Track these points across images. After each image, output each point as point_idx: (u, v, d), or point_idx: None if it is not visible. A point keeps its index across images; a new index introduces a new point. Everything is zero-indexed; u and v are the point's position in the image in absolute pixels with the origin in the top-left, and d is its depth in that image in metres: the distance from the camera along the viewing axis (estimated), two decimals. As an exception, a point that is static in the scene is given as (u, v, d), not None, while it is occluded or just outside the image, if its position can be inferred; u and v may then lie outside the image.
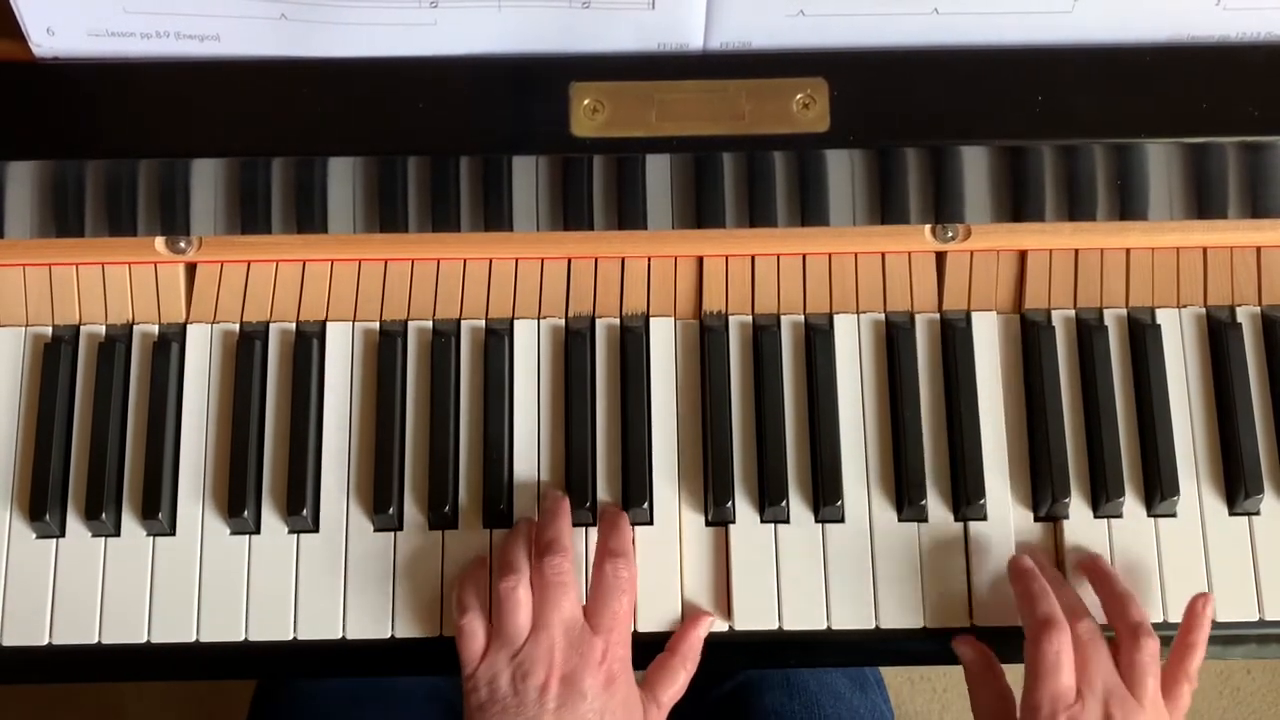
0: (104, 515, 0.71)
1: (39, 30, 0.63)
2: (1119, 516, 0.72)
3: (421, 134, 0.64)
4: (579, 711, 0.63)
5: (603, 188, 0.68)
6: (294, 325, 0.75)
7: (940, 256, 0.75)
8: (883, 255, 0.75)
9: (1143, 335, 0.73)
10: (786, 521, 0.72)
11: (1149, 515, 0.72)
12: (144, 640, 0.70)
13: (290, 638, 0.70)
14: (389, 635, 0.71)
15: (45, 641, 0.71)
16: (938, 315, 0.75)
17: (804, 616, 0.70)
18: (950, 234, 0.74)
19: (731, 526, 0.72)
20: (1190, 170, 0.68)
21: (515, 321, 0.75)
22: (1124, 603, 0.67)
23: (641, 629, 0.70)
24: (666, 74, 0.64)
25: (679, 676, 0.68)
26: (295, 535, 0.72)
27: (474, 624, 0.66)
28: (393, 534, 0.72)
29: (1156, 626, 0.70)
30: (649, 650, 0.71)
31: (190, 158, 0.65)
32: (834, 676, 0.87)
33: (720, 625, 0.70)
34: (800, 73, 0.64)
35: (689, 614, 0.70)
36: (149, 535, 0.72)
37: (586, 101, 0.64)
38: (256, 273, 0.75)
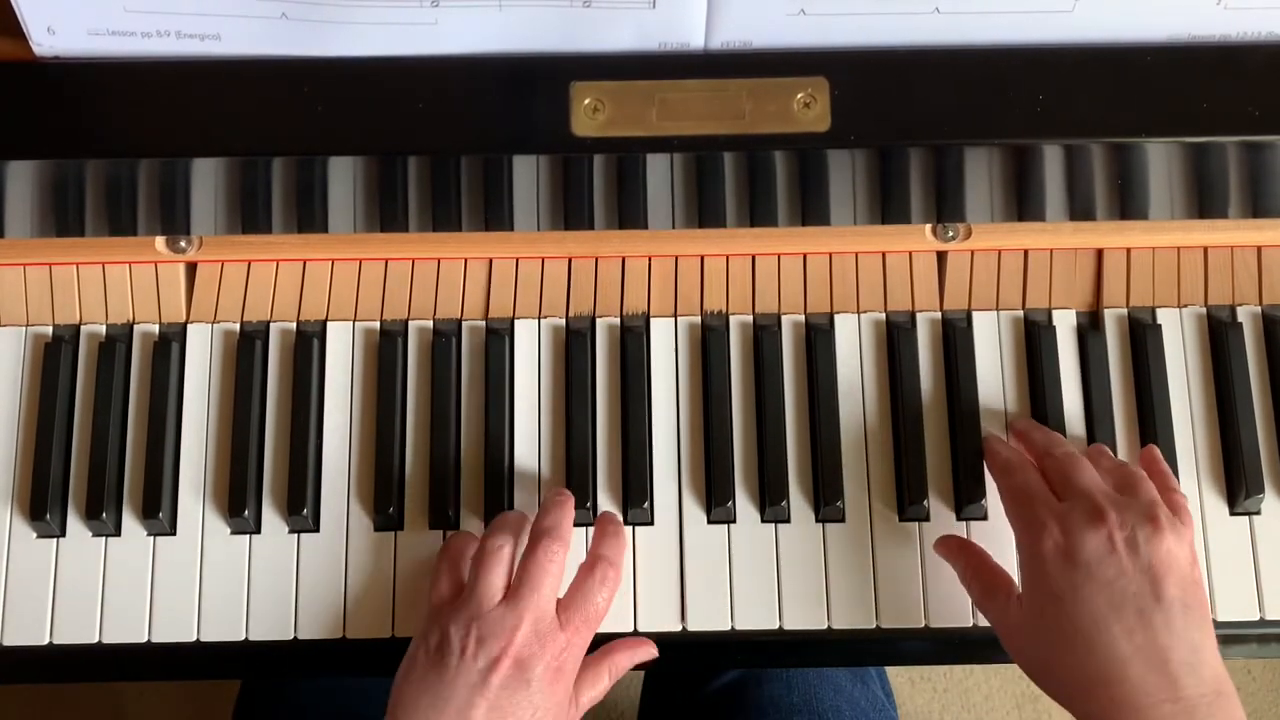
0: (104, 515, 0.71)
1: (40, 29, 0.63)
2: (1119, 516, 0.72)
3: (422, 133, 0.64)
4: (518, 697, 0.62)
5: (603, 187, 0.68)
6: (294, 325, 0.75)
7: (941, 256, 0.75)
8: (884, 255, 0.75)
9: (1143, 335, 0.73)
10: (787, 521, 0.72)
11: (1149, 515, 0.72)
12: (144, 640, 0.70)
13: (290, 638, 0.70)
14: (389, 635, 0.71)
15: (45, 641, 0.71)
16: (939, 315, 0.75)
17: (804, 616, 0.70)
18: (951, 233, 0.74)
19: (732, 526, 0.72)
20: (1191, 170, 0.68)
21: (516, 321, 0.75)
22: (1123, 465, 0.66)
23: (642, 629, 0.70)
24: (667, 73, 0.64)
25: (602, 681, 0.68)
26: (296, 535, 0.72)
27: (446, 574, 0.66)
28: (393, 534, 0.72)
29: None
30: (649, 650, 0.71)
31: (191, 158, 0.65)
32: (834, 668, 0.87)
33: (720, 625, 0.70)
34: (801, 72, 0.64)
35: (632, 644, 0.70)
36: (149, 535, 0.72)
37: (587, 101, 0.64)
38: (257, 272, 0.75)
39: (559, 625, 0.65)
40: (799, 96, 0.64)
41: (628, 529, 0.71)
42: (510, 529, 0.67)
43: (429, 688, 0.62)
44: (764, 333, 0.74)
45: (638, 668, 0.70)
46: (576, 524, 0.71)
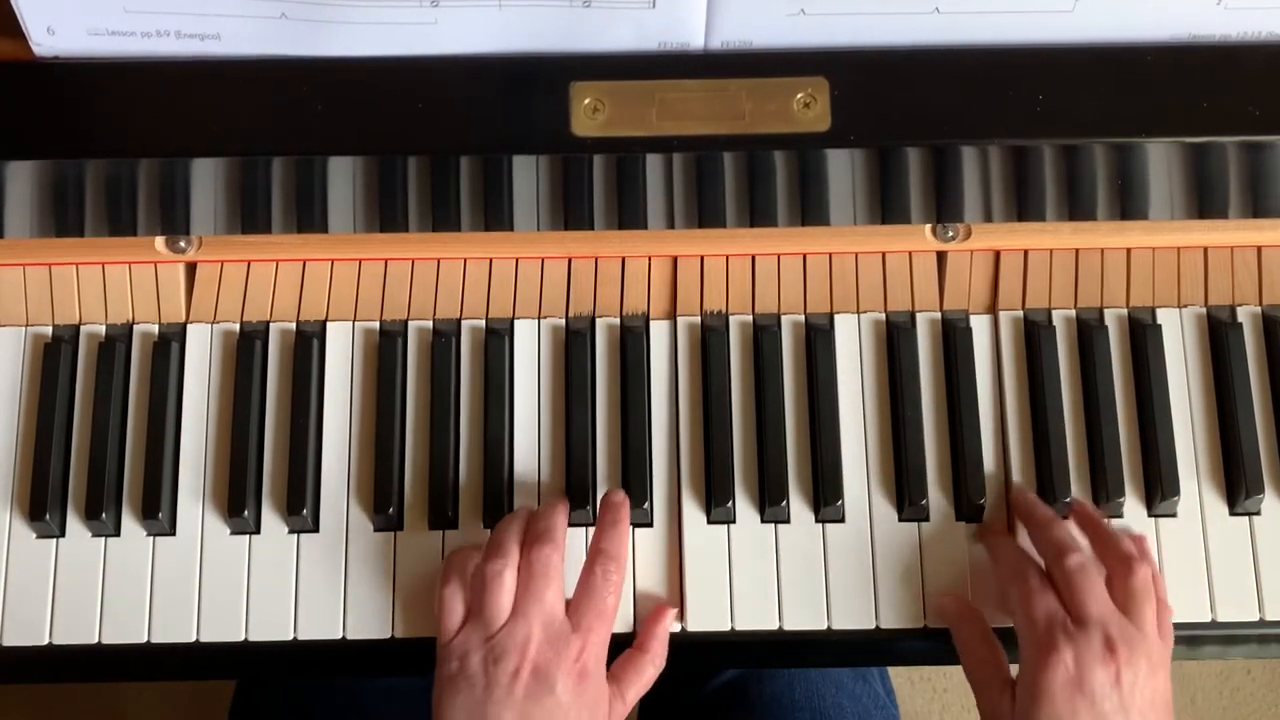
0: (104, 515, 0.71)
1: (39, 29, 0.63)
2: (1119, 516, 0.72)
3: (422, 133, 0.64)
4: (545, 705, 0.62)
5: (603, 187, 0.68)
6: (294, 325, 0.75)
7: (941, 256, 0.75)
8: (883, 255, 0.75)
9: (1143, 335, 0.73)
10: (787, 521, 0.72)
11: (1149, 515, 0.72)
12: (144, 640, 0.70)
13: (290, 638, 0.70)
14: (389, 635, 0.71)
15: (45, 641, 0.70)
16: (939, 315, 0.75)
17: (804, 616, 0.70)
18: (951, 234, 0.74)
19: (732, 526, 0.72)
20: (1191, 170, 0.68)
21: (515, 321, 0.75)
22: (1111, 539, 0.67)
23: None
24: (667, 73, 0.64)
25: (646, 672, 0.68)
26: (295, 535, 0.72)
27: (454, 598, 0.66)
28: (393, 534, 0.72)
29: (1157, 626, 0.70)
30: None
31: (190, 158, 0.65)
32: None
33: (720, 625, 0.70)
34: (801, 72, 0.64)
35: (653, 608, 0.70)
36: (149, 535, 0.72)
37: (587, 101, 0.64)
38: (256, 272, 0.75)
39: (571, 628, 0.65)
40: (799, 96, 0.64)
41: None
42: (506, 544, 0.67)
43: (456, 715, 0.62)
44: (764, 333, 0.74)
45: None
46: (576, 524, 0.71)
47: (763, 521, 0.72)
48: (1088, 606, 0.63)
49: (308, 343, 0.74)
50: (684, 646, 0.71)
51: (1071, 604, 0.63)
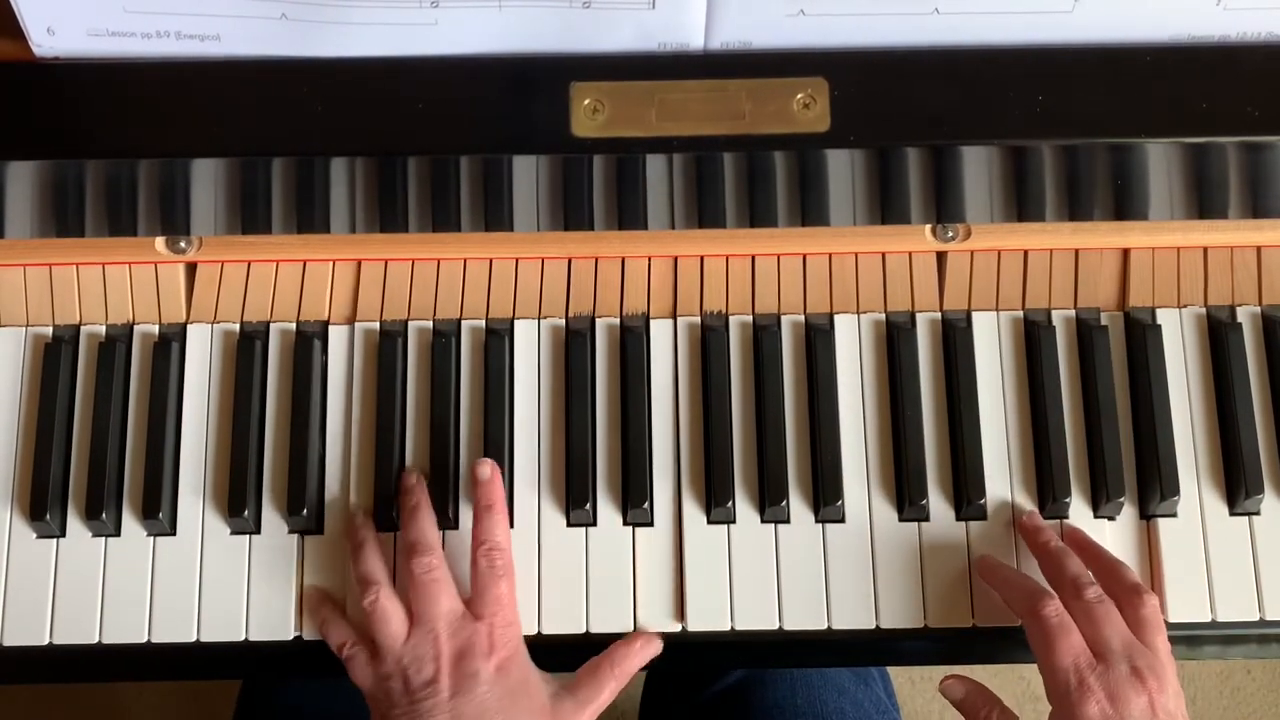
0: (104, 515, 0.71)
1: (39, 30, 0.63)
2: (1119, 516, 0.72)
3: (422, 134, 0.64)
4: (476, 695, 0.63)
5: (603, 188, 0.68)
6: (294, 325, 0.75)
7: (941, 256, 0.75)
8: (883, 255, 0.75)
9: (1143, 335, 0.73)
10: (787, 521, 0.72)
11: (1149, 515, 0.72)
12: (144, 640, 0.70)
13: (291, 638, 0.70)
14: (389, 635, 0.70)
15: (45, 641, 0.71)
16: (938, 315, 0.75)
17: (804, 616, 0.70)
18: (951, 234, 0.74)
19: (732, 526, 0.72)
20: (1190, 170, 0.68)
21: (515, 321, 0.75)
22: (1116, 569, 0.67)
23: (642, 629, 0.70)
24: (667, 74, 0.64)
25: (606, 685, 0.68)
26: (296, 535, 0.72)
27: (353, 651, 0.67)
28: (393, 534, 0.71)
29: (1157, 626, 0.70)
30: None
31: (190, 158, 0.65)
32: (836, 669, 0.87)
33: (720, 625, 0.70)
34: (801, 72, 0.64)
35: (642, 635, 0.70)
36: (149, 535, 0.72)
37: (587, 101, 0.64)
38: (256, 273, 0.75)
39: (473, 619, 0.66)
40: (799, 97, 0.64)
41: (627, 529, 0.71)
42: (372, 573, 0.67)
43: None
44: (764, 333, 0.74)
45: (646, 667, 0.70)
46: (577, 524, 0.71)
47: (763, 521, 0.72)
48: (1112, 640, 0.63)
49: (308, 343, 0.74)
50: (684, 646, 0.71)
51: (1095, 638, 0.63)
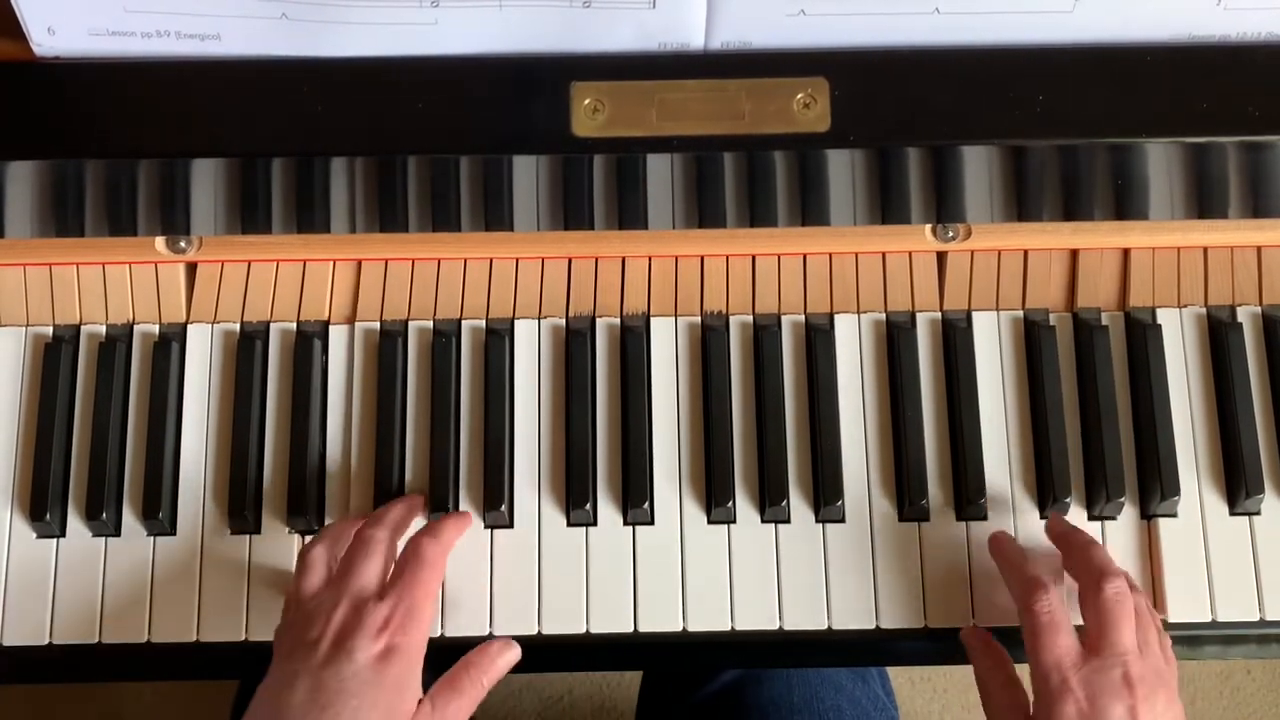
0: (104, 515, 0.71)
1: (40, 29, 0.63)
2: (1119, 516, 0.72)
3: (422, 134, 0.64)
4: (342, 673, 0.60)
5: (603, 187, 0.68)
6: (294, 325, 0.75)
7: (941, 256, 0.75)
8: (883, 255, 0.75)
9: (1143, 335, 0.73)
10: (787, 521, 0.72)
11: (1149, 515, 0.72)
12: (144, 640, 0.70)
13: (291, 638, 0.70)
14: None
15: (45, 641, 0.71)
16: (939, 315, 0.75)
17: (804, 616, 0.70)
18: (951, 234, 0.74)
19: (732, 526, 0.72)
20: (1191, 170, 0.68)
21: (516, 321, 0.75)
22: (1087, 550, 0.66)
23: (642, 628, 0.70)
24: (667, 73, 0.64)
25: (466, 693, 0.65)
26: (296, 535, 0.72)
27: (312, 565, 0.66)
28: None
29: (1157, 626, 0.70)
30: (649, 651, 0.71)
31: (190, 158, 0.65)
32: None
33: (720, 625, 0.70)
34: (801, 72, 0.64)
35: (500, 640, 0.68)
36: (149, 535, 0.72)
37: (587, 101, 0.64)
38: (257, 273, 0.75)
39: (381, 602, 0.63)
40: (799, 97, 0.64)
41: (627, 529, 0.71)
42: (334, 532, 0.67)
43: (266, 685, 0.62)
44: (764, 333, 0.74)
45: (514, 671, 0.68)
46: (577, 524, 0.71)
47: (763, 521, 0.72)
48: (1117, 639, 0.62)
49: (308, 343, 0.74)
50: (683, 646, 0.71)
51: (1100, 635, 0.63)
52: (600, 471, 0.72)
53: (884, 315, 0.75)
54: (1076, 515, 0.72)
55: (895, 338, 0.74)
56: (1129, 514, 0.72)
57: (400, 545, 0.68)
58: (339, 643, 0.62)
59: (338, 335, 0.74)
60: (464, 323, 0.75)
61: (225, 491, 0.72)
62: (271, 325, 0.75)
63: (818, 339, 0.73)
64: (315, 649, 0.62)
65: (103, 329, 0.75)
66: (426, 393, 0.73)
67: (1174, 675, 0.64)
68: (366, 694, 0.61)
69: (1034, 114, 0.64)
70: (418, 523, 0.71)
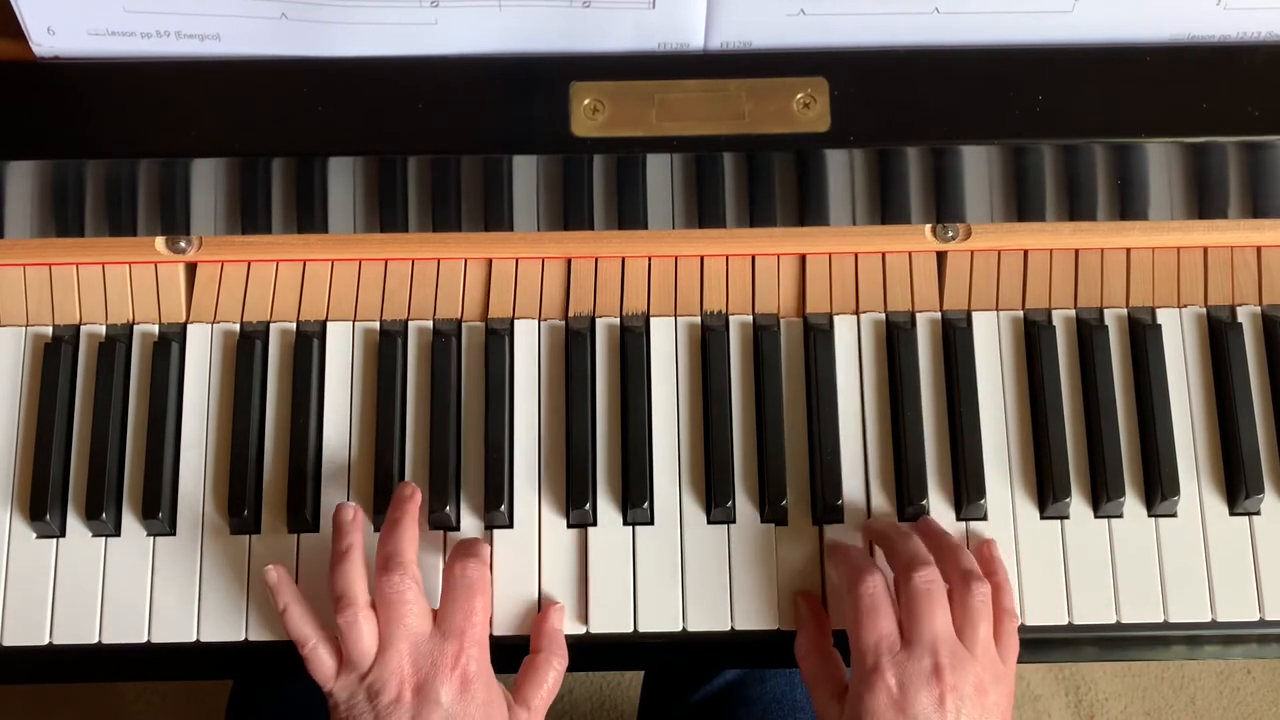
0: (104, 515, 0.71)
1: (39, 29, 0.63)
2: (1119, 516, 0.72)
3: (421, 134, 0.64)
4: (437, 717, 0.62)
5: (603, 187, 0.68)
6: (294, 325, 0.75)
7: (941, 256, 0.75)
8: (883, 255, 0.75)
9: (1143, 335, 0.73)
10: (785, 522, 0.72)
11: (1149, 515, 0.72)
12: (144, 640, 0.70)
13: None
14: (389, 635, 0.70)
15: (45, 641, 0.71)
16: (938, 315, 0.75)
17: (804, 616, 0.70)
18: (951, 234, 0.74)
19: (732, 526, 0.72)
20: (1190, 170, 0.68)
21: (515, 321, 0.75)
22: (955, 554, 0.66)
23: (642, 628, 0.70)
24: (667, 74, 0.64)
25: (548, 675, 0.68)
26: (295, 535, 0.72)
27: (317, 653, 0.65)
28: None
29: (1156, 627, 0.70)
30: (649, 650, 0.71)
31: (191, 158, 0.65)
32: None
33: (720, 625, 0.70)
34: (801, 72, 0.64)
35: (542, 608, 0.70)
36: (149, 535, 0.72)
37: (587, 101, 0.64)
38: (256, 273, 0.75)
39: (442, 637, 0.64)
40: (799, 97, 0.64)
41: (627, 529, 0.71)
42: (350, 590, 0.65)
43: None
44: (764, 333, 0.74)
45: (512, 671, 0.69)
46: (577, 524, 0.71)
47: (762, 521, 0.72)
48: (923, 629, 0.63)
49: (308, 343, 0.74)
50: (684, 646, 0.71)
51: (910, 623, 0.63)
52: (600, 471, 0.72)
53: (884, 315, 0.75)
54: (1077, 514, 0.72)
55: (895, 338, 0.74)
56: (1129, 514, 0.72)
57: (408, 529, 0.67)
58: (421, 693, 0.63)
59: (337, 335, 0.74)
60: (464, 323, 0.75)
61: (225, 491, 0.72)
62: (271, 325, 0.75)
63: (817, 339, 0.73)
64: (399, 706, 0.63)
65: (102, 329, 0.75)
66: (426, 393, 0.73)
67: (999, 666, 0.64)
68: None
69: (1034, 114, 0.64)
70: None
